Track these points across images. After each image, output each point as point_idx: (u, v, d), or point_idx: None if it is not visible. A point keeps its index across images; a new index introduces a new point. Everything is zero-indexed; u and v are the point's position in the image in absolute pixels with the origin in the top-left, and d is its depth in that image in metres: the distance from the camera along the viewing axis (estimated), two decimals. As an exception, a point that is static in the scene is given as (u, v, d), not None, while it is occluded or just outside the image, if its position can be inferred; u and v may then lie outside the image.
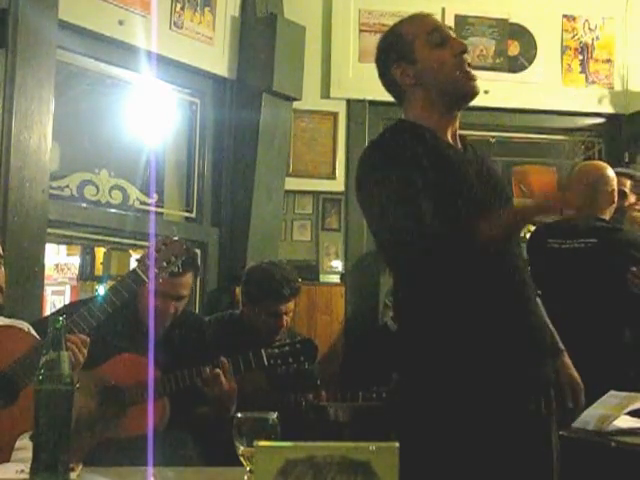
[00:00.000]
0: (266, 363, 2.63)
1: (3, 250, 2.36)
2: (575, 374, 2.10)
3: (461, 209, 1.79)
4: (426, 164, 1.77)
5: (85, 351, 2.11)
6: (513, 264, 1.86)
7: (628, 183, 3.42)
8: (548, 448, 1.84)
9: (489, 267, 1.79)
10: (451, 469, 1.72)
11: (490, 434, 1.73)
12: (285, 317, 3.09)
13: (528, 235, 3.44)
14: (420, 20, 1.94)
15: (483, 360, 1.75)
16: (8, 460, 1.96)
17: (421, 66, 1.88)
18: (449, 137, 1.90)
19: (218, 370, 2.56)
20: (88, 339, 2.13)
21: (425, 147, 1.81)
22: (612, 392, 2.58)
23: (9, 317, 2.35)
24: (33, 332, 2.26)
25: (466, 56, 1.90)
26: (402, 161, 1.78)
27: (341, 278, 4.41)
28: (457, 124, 1.93)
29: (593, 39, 4.64)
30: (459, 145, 1.93)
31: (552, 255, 3.19)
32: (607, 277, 3.08)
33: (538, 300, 2.07)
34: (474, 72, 1.89)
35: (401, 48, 1.90)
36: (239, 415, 1.53)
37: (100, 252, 5.25)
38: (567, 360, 2.14)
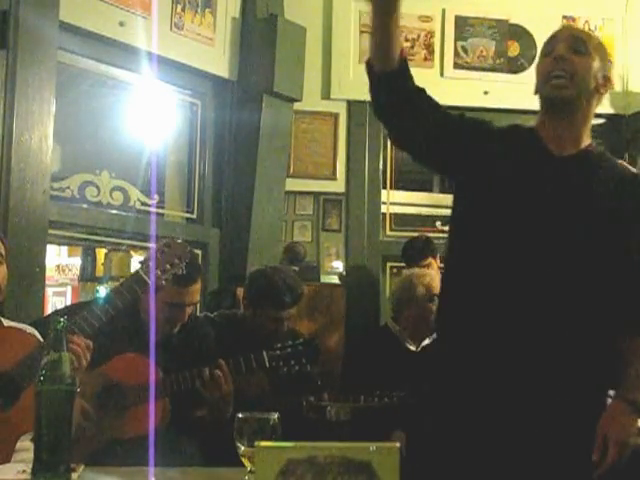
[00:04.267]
0: (267, 365, 2.63)
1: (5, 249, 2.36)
2: None
3: (489, 207, 1.94)
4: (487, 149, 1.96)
5: (88, 356, 2.11)
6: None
7: None
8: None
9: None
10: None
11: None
12: (286, 323, 3.08)
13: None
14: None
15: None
16: (9, 460, 1.97)
17: (536, 74, 2.01)
18: (553, 143, 1.96)
19: (217, 372, 2.56)
20: (91, 344, 2.13)
21: (505, 141, 1.99)
22: (612, 392, 2.58)
23: (12, 319, 2.35)
24: (39, 337, 2.26)
25: (560, 64, 1.93)
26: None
27: (341, 279, 4.42)
28: (566, 131, 1.96)
29: (593, 40, 4.65)
30: (563, 153, 1.95)
31: None
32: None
33: None
34: (557, 75, 1.93)
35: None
36: (240, 415, 1.53)
37: (101, 253, 5.25)
38: None
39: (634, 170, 2.07)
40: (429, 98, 1.96)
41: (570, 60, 1.92)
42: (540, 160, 1.95)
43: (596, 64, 1.94)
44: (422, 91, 1.96)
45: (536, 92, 1.99)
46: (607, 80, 1.99)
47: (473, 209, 1.98)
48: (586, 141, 1.99)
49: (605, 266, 1.88)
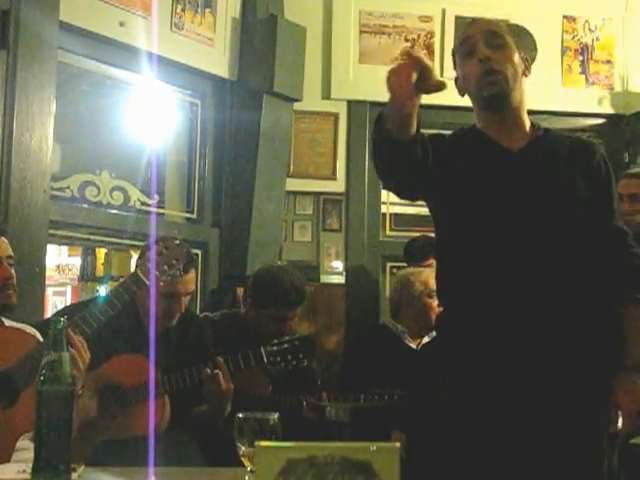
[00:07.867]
0: (265, 360, 2.65)
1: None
2: None
3: (467, 213, 1.96)
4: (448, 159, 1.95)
5: (87, 355, 2.12)
6: None
7: None
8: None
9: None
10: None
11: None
12: (290, 322, 3.09)
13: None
14: (462, 29, 2.06)
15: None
16: (9, 460, 1.97)
17: (460, 76, 2.04)
18: (505, 139, 2.00)
19: (217, 370, 2.57)
20: (84, 340, 2.13)
21: (458, 146, 2.01)
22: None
23: (12, 319, 2.36)
24: (39, 337, 2.26)
25: (487, 64, 1.95)
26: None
27: (342, 278, 4.41)
28: (511, 123, 2.01)
29: (593, 40, 4.64)
30: (517, 146, 1.99)
31: None
32: None
33: None
34: (489, 75, 1.95)
35: (453, 57, 2.08)
36: (240, 415, 1.54)
37: (101, 253, 5.25)
38: None
39: (585, 138, 2.16)
40: (422, 142, 1.89)
41: (493, 58, 1.95)
42: (500, 160, 1.98)
43: (515, 51, 1.99)
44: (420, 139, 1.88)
45: (463, 94, 2.03)
46: (527, 60, 2.03)
47: (454, 224, 2.01)
48: (528, 123, 2.04)
49: (589, 241, 1.94)
